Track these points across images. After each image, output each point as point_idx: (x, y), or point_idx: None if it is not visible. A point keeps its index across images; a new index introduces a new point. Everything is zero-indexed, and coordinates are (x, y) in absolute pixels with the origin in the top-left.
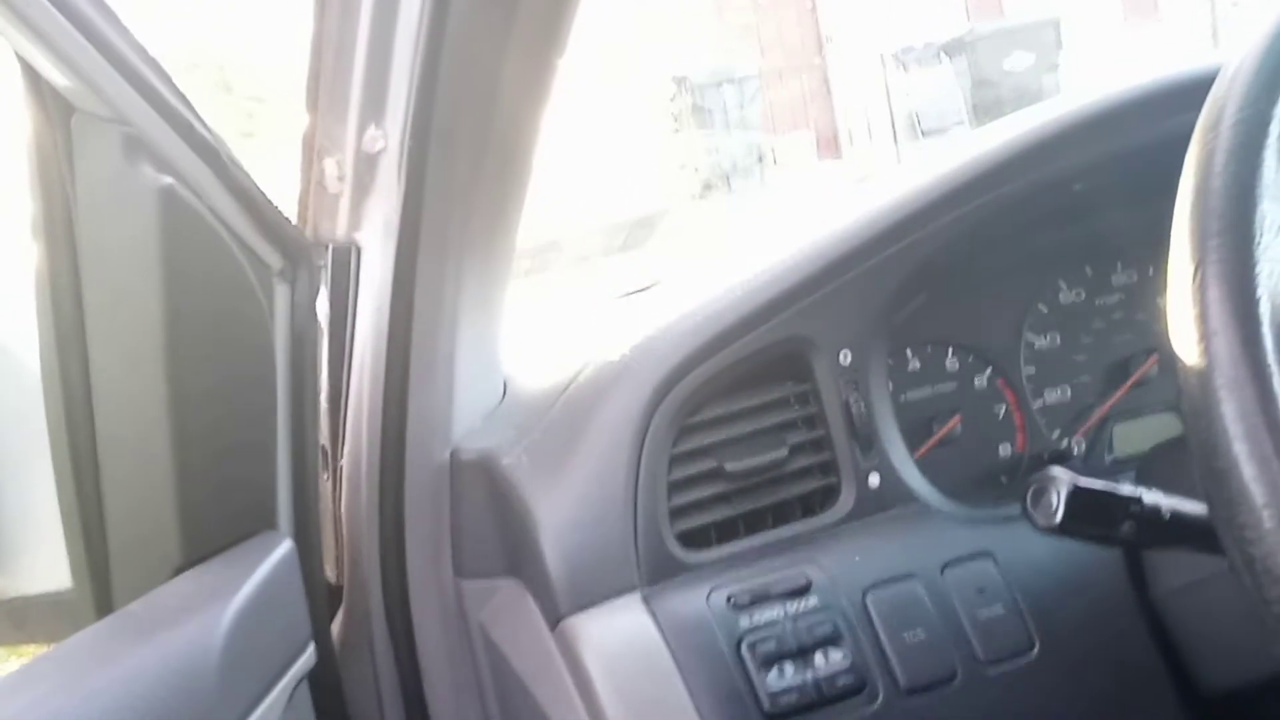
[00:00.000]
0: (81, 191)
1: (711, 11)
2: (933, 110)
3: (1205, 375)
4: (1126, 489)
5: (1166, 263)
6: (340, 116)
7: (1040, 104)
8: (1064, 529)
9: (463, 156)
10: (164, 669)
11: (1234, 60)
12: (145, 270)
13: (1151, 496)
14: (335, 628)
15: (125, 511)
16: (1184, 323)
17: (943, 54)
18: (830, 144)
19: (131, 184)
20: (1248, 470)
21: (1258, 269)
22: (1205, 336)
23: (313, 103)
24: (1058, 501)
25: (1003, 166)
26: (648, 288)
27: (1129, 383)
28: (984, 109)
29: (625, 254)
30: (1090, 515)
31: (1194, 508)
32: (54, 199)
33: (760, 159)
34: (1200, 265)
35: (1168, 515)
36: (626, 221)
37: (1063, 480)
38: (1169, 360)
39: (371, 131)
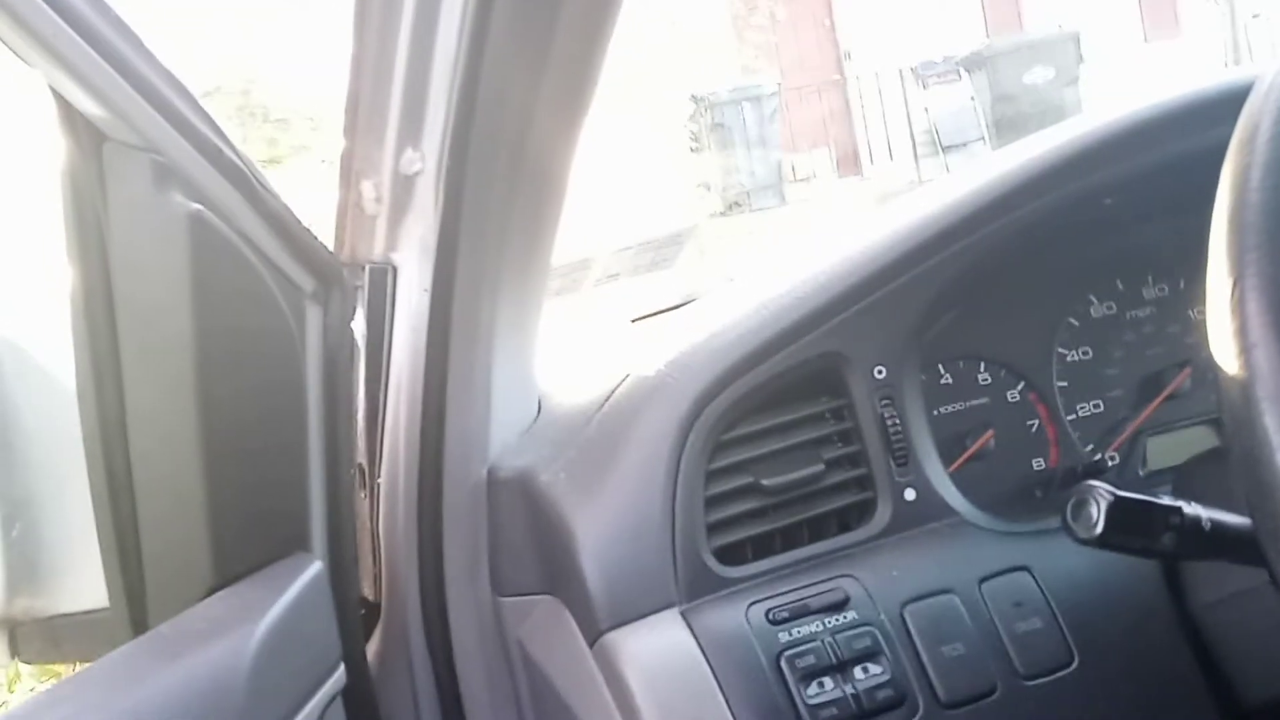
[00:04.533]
0: (114, 219)
1: (730, 31)
2: (952, 126)
3: (1247, 387)
4: (1166, 500)
5: (1198, 275)
6: (378, 139)
7: (1070, 119)
8: (1104, 541)
9: (500, 177)
10: (193, 689)
11: (1268, 74)
12: (177, 295)
13: (1192, 508)
14: (372, 646)
15: (159, 532)
16: (1223, 336)
17: (961, 69)
18: (850, 161)
19: (162, 211)
20: None
21: None
22: (1245, 349)
23: (351, 125)
24: (1098, 514)
25: (1036, 181)
26: (682, 305)
27: (1162, 396)
28: (1004, 124)
29: (653, 273)
30: (1131, 527)
31: (1235, 519)
32: (87, 226)
33: (780, 177)
34: (1239, 279)
35: (1208, 526)
36: (655, 240)
37: (1102, 492)
38: (1202, 373)
39: (409, 154)
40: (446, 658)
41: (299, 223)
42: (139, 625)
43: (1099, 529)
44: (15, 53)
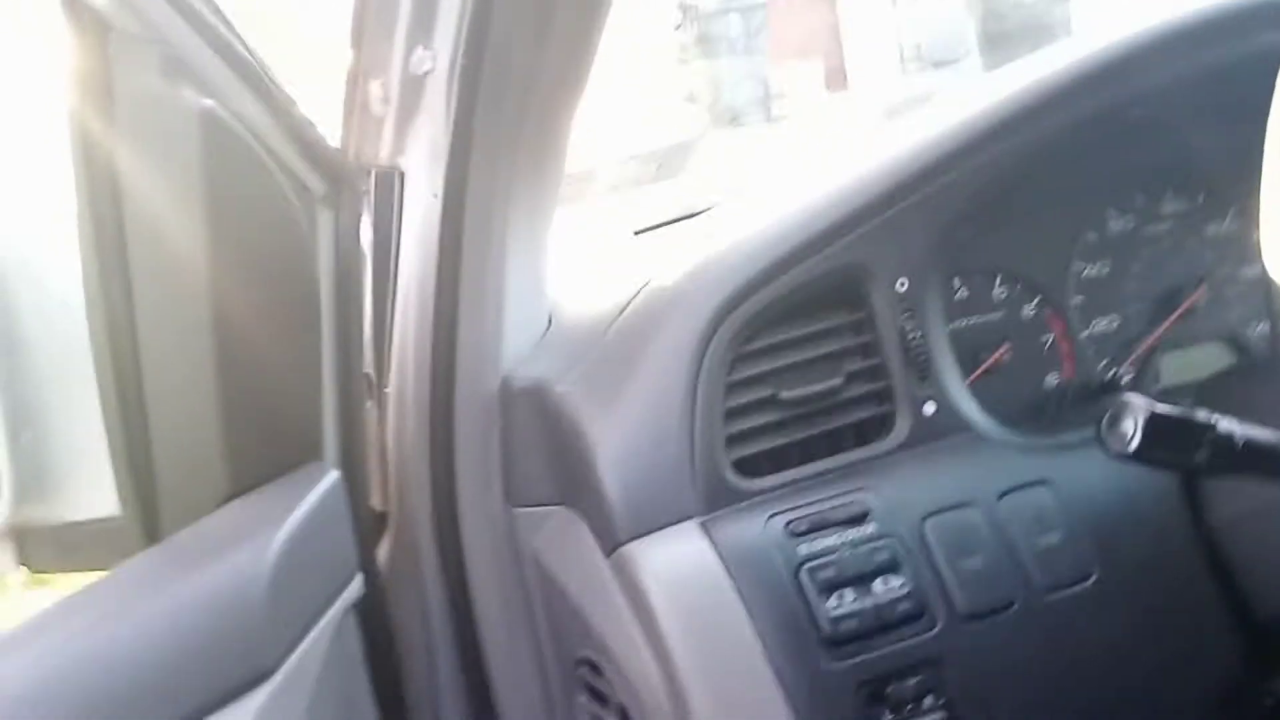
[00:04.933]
0: (120, 113)
1: None
2: (942, 41)
3: None
4: (1202, 415)
5: (1217, 190)
6: (387, 37)
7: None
8: (1139, 455)
9: (517, 77)
10: (213, 598)
11: None
12: (187, 195)
13: (1226, 424)
14: (381, 556)
15: (171, 439)
16: None
17: None
18: (838, 75)
19: (172, 105)
20: None
21: None
22: None
23: (359, 24)
24: (1134, 428)
25: (1068, 90)
26: (686, 217)
27: (1178, 312)
28: (993, 40)
29: (656, 184)
30: (1166, 442)
31: (1268, 435)
32: (92, 121)
33: (768, 91)
34: None
35: (1241, 443)
36: (658, 151)
37: (1139, 407)
38: (1218, 289)
39: (420, 52)
40: (458, 568)
41: (309, 123)
42: (151, 533)
43: (1136, 443)
44: None
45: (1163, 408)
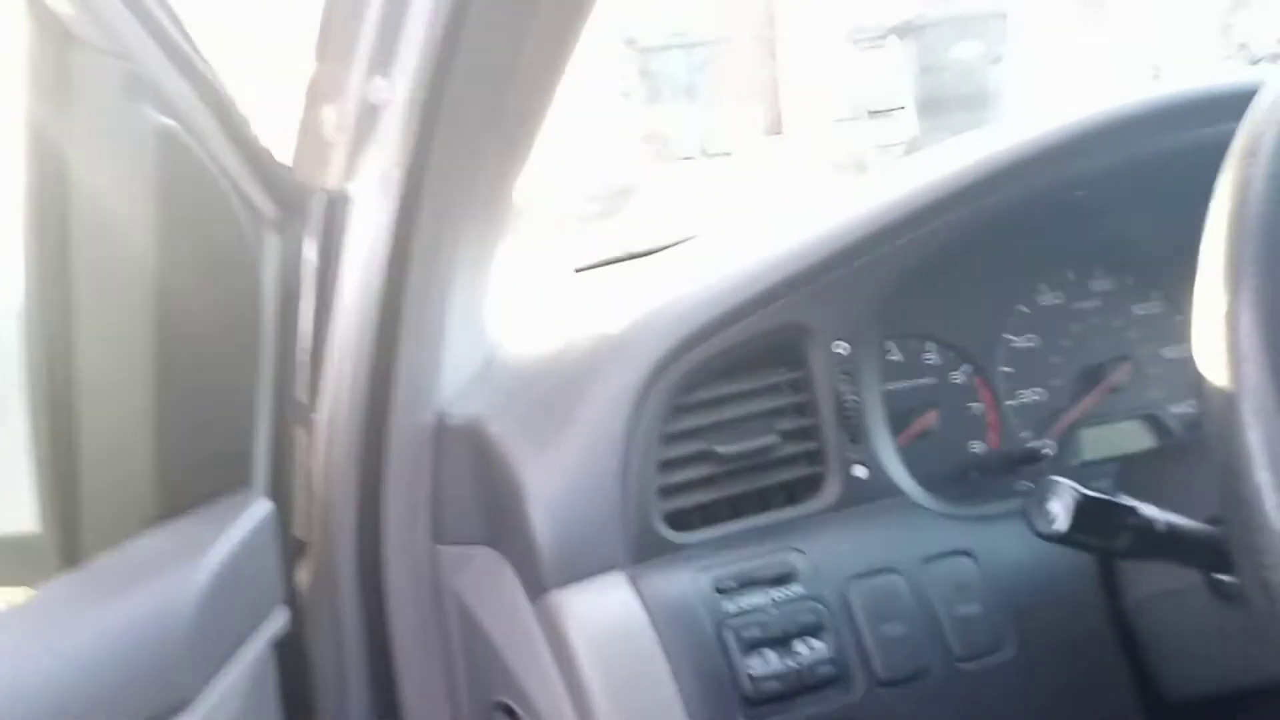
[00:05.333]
0: (78, 126)
1: None
2: (879, 93)
3: (1232, 400)
4: (1125, 501)
5: (1145, 271)
6: (347, 63)
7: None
8: (1064, 538)
9: (475, 113)
10: (136, 626)
11: (1273, 84)
12: (138, 211)
13: (1147, 509)
14: (299, 586)
15: (100, 457)
16: (1212, 346)
17: (892, 35)
18: (775, 119)
19: (131, 122)
20: (1271, 499)
21: None
22: (1235, 362)
23: (320, 47)
24: (1061, 510)
25: (1016, 168)
26: (625, 257)
27: (1101, 388)
28: (928, 95)
29: (602, 221)
30: (1090, 525)
31: (1188, 524)
32: (46, 131)
33: (705, 131)
34: (1235, 291)
35: (1163, 529)
36: (602, 191)
37: (1066, 489)
38: (1140, 368)
39: (378, 81)
40: (378, 603)
41: (264, 147)
42: (70, 553)
43: (1061, 525)
44: None
45: (1088, 492)
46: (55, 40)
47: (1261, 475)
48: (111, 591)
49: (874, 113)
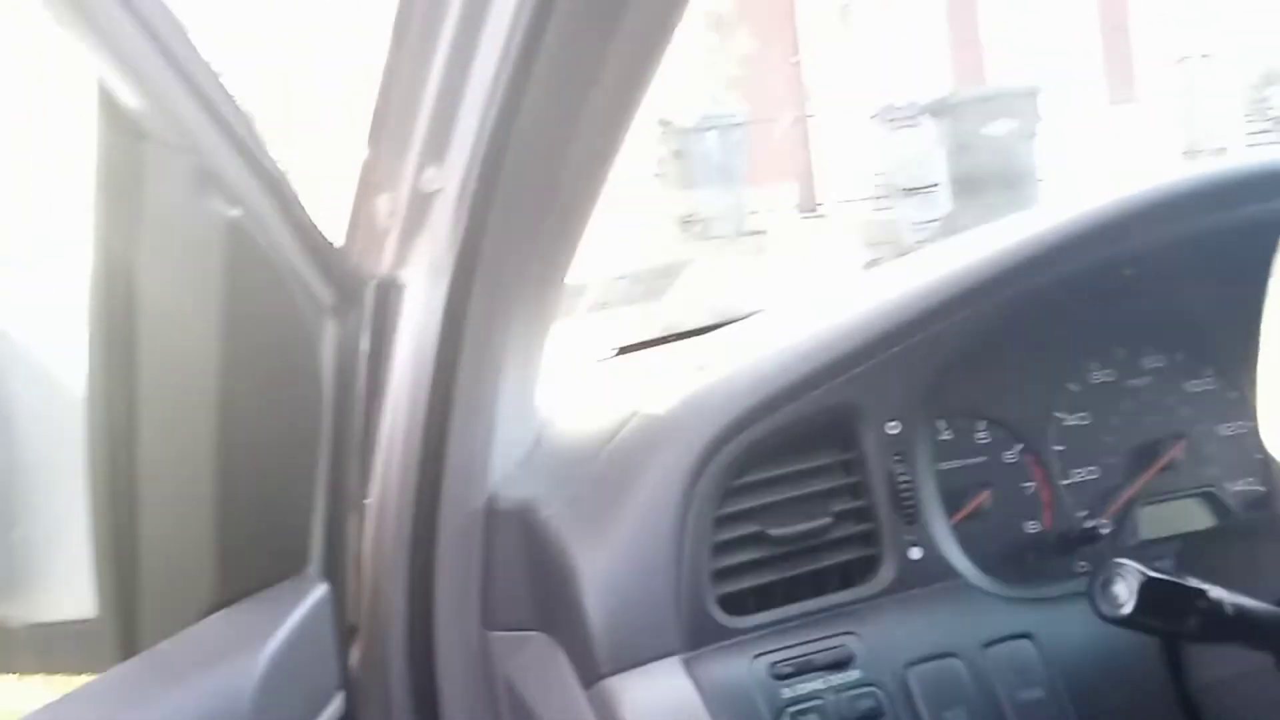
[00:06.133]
0: (148, 218)
1: (700, 61)
2: (912, 171)
3: None
4: (1193, 582)
5: (1196, 348)
6: (400, 153)
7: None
8: (1131, 620)
9: (526, 202)
10: (196, 712)
11: None
12: (204, 301)
13: (1216, 592)
14: (350, 670)
15: (160, 543)
16: None
17: (925, 115)
18: (810, 198)
19: (200, 215)
20: None
21: None
22: None
23: (375, 137)
24: (1128, 593)
25: (1065, 246)
26: (668, 338)
27: (1157, 466)
28: (962, 173)
29: (645, 304)
30: (1157, 608)
31: (1258, 605)
32: (117, 222)
33: (742, 210)
34: None
35: (1232, 611)
36: (648, 271)
37: (1133, 571)
38: (1196, 446)
39: (431, 172)
40: (429, 690)
41: (324, 236)
42: (128, 640)
43: (1128, 608)
44: (66, 30)
45: (1154, 574)
46: (126, 134)
47: None
48: (171, 678)
49: (908, 190)
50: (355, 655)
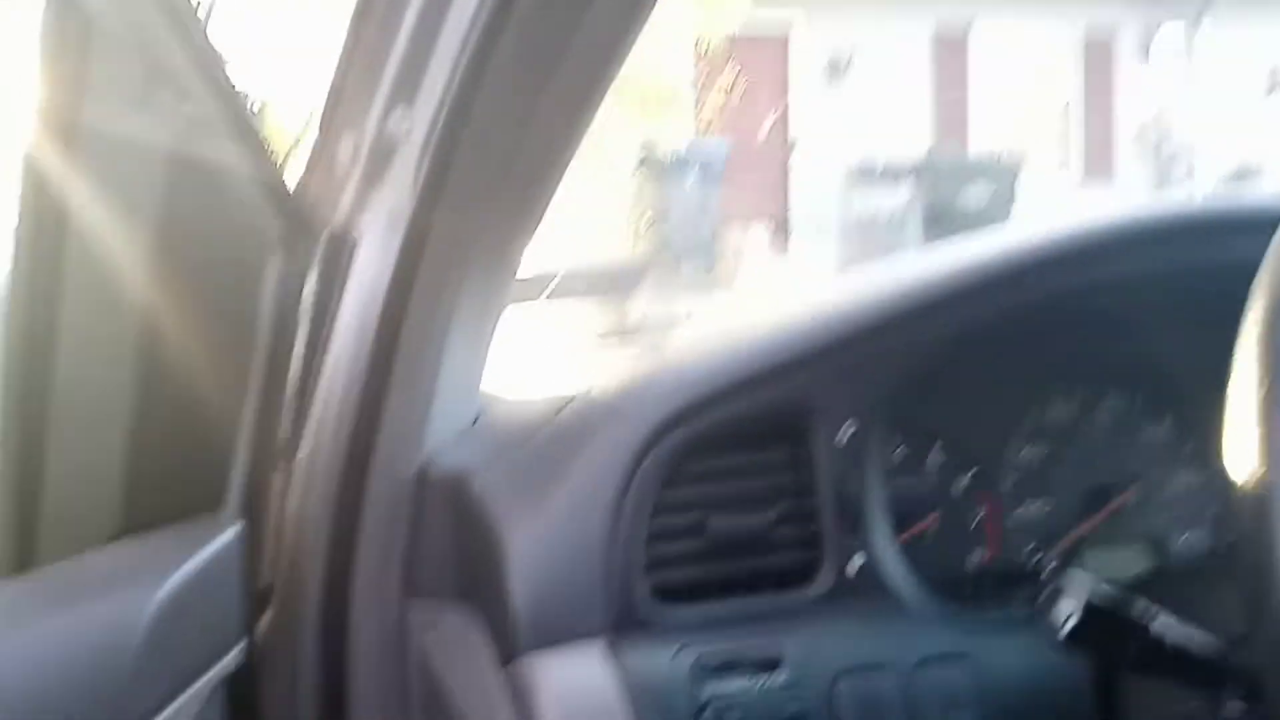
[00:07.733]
0: (90, 108)
1: (688, 93)
2: (884, 228)
3: (1263, 501)
4: (1139, 608)
5: (1156, 393)
6: (368, 93)
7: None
8: (1075, 634)
9: (493, 157)
10: (83, 641)
11: None
12: (140, 208)
13: (1160, 624)
14: (260, 629)
15: (68, 464)
16: (1244, 446)
17: (900, 175)
18: (781, 242)
19: (144, 109)
20: None
21: None
22: (1270, 463)
23: (342, 75)
24: (1075, 606)
25: (1042, 264)
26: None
27: (1107, 510)
28: (932, 237)
29: (606, 298)
30: (1103, 627)
31: (1200, 641)
32: (58, 120)
33: (714, 242)
34: (1270, 389)
35: (1175, 642)
36: (615, 269)
37: (1083, 584)
38: (1147, 492)
39: (399, 112)
40: (338, 654)
41: (276, 162)
42: (24, 558)
43: (1073, 621)
44: None
45: (1103, 593)
46: (76, 29)
47: None
48: (62, 600)
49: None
50: (267, 614)
